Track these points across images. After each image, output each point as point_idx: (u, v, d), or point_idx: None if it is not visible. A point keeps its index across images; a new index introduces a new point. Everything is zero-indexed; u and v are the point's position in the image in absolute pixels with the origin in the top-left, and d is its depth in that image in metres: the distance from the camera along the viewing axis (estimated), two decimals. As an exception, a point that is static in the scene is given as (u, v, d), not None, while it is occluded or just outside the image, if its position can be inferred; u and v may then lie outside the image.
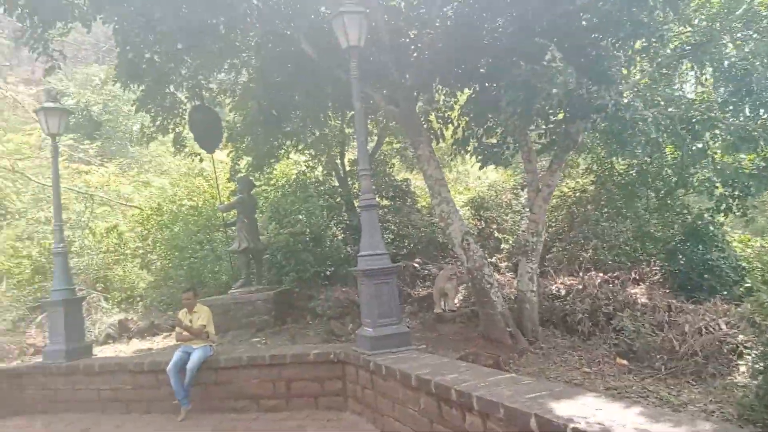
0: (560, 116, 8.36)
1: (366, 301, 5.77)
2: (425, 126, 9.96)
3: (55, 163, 8.35)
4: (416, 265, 11.71)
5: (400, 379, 4.74)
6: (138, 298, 11.92)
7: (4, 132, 12.63)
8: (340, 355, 5.93)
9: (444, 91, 10.38)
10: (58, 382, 7.43)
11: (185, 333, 6.65)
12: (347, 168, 13.47)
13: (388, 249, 6.12)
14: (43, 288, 11.56)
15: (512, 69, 6.94)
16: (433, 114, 10.98)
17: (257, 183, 12.62)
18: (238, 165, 12.82)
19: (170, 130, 10.95)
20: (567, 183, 12.67)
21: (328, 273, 11.49)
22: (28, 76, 32.41)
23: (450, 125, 10.48)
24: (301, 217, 12.44)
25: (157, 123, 10.67)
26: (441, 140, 10.54)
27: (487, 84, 8.69)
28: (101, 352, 9.01)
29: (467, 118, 9.60)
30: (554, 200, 11.29)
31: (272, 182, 14.20)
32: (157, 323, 10.47)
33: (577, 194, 12.02)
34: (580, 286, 8.73)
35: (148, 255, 13.23)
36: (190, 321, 6.70)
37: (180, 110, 10.78)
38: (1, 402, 7.49)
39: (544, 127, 8.73)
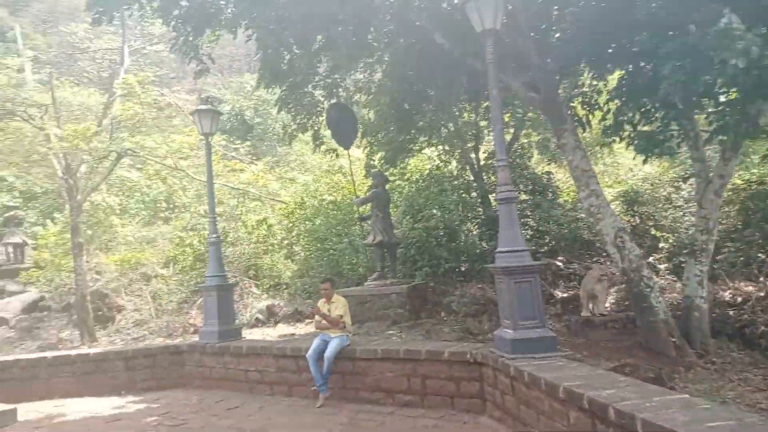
0: (732, 96, 7.14)
1: (505, 301, 5.39)
2: (569, 113, 9.20)
3: (208, 159, 9.07)
4: (559, 263, 10.93)
5: (545, 389, 4.31)
6: (284, 286, 12.63)
7: (168, 135, 14.10)
8: (477, 356, 5.61)
9: (590, 74, 9.51)
10: (211, 361, 8.04)
11: (323, 321, 6.80)
12: (482, 162, 13.03)
13: (527, 246, 5.66)
14: (202, 274, 12.73)
15: (675, 39, 6.04)
16: (578, 100, 10.13)
17: (391, 178, 12.70)
18: (373, 160, 13.03)
19: (309, 128, 11.41)
20: (740, 174, 10.99)
21: (462, 269, 11.22)
22: (191, 87, 36.18)
23: (598, 111, 9.58)
24: (435, 211, 12.30)
25: (297, 121, 11.18)
26: (587, 128, 9.68)
27: (642, 63, 7.74)
28: (251, 334, 9.64)
29: (618, 103, 8.67)
30: (725, 193, 9.82)
31: (406, 177, 14.25)
32: (300, 310, 11.00)
33: (754, 186, 10.35)
34: (762, 293, 7.44)
35: (293, 246, 13.97)
36: (328, 310, 6.83)
37: (318, 109, 11.20)
38: (165, 374, 8.32)
39: (711, 109, 7.54)
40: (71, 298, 12.79)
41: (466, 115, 12.96)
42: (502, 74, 7.47)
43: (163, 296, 12.63)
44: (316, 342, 6.69)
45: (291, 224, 14.62)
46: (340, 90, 11.28)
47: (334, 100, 10.86)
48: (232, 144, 18.21)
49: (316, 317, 6.96)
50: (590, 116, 9.72)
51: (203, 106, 8.65)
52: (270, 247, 14.06)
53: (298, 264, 13.46)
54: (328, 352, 6.49)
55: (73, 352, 8.74)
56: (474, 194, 12.86)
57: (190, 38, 8.70)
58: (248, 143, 22.88)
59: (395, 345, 6.53)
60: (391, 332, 8.20)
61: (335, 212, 13.92)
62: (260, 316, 11.17)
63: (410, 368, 6.08)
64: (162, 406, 7.12)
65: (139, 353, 8.36)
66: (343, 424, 5.71)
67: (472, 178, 13.05)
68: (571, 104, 10.08)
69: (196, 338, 9.31)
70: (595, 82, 9.70)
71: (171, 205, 19.71)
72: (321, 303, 6.96)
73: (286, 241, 14.12)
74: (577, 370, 4.58)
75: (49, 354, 8.72)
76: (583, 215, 12.47)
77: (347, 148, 10.90)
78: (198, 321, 11.28)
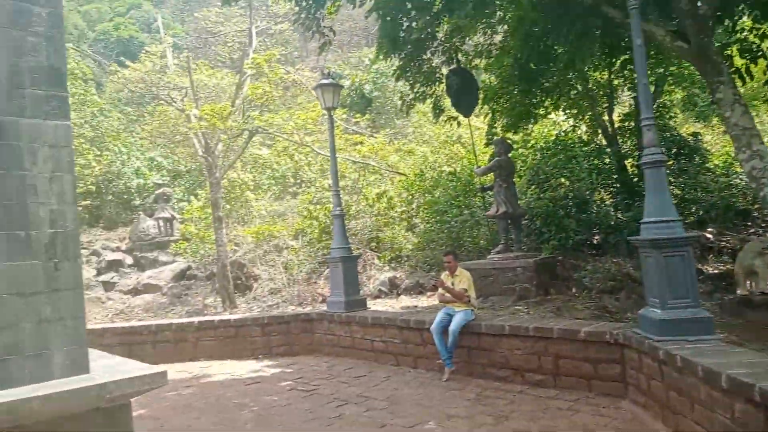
0: None
1: (652, 277, 4.85)
2: (725, 63, 8.01)
3: (331, 133, 9.24)
4: (709, 235, 9.76)
5: (702, 376, 3.81)
6: (405, 258, 12.72)
7: (294, 111, 14.67)
8: (617, 337, 5.15)
9: (752, 16, 8.20)
10: (339, 330, 8.32)
11: (447, 294, 6.68)
12: (616, 125, 11.94)
13: (674, 215, 5.01)
14: (328, 246, 13.20)
15: None
16: (735, 47, 8.79)
17: (514, 146, 12.09)
18: (494, 127, 12.49)
19: (428, 97, 11.17)
20: None
21: (594, 242, 10.47)
22: (313, 65, 37.45)
23: (761, 60, 8.26)
24: (563, 180, 11.56)
25: (416, 90, 10.98)
26: (747, 80, 8.39)
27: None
28: (374, 305, 9.83)
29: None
30: None
31: (530, 144, 13.53)
32: (421, 282, 11.01)
33: None
34: None
35: (413, 218, 13.99)
36: (452, 284, 6.68)
37: (436, 76, 10.89)
38: (297, 341, 8.78)
39: None
40: (214, 268, 13.98)
41: (596, 74, 11.91)
42: (644, 23, 6.64)
43: (293, 266, 13.32)
44: (440, 315, 6.59)
45: (410, 196, 14.61)
46: (459, 55, 10.85)
47: (453, 66, 10.48)
48: (353, 118, 18.55)
49: (440, 290, 6.85)
50: (751, 66, 8.42)
51: (325, 81, 8.79)
52: (390, 220, 14.21)
53: (418, 236, 13.47)
54: (453, 326, 6.37)
55: (216, 318, 9.53)
56: (607, 160, 11.86)
57: (312, 11, 8.82)
58: (367, 117, 23.17)
59: (523, 321, 6.24)
60: (517, 308, 7.87)
61: (455, 183, 13.65)
62: (383, 288, 11.36)
63: (541, 346, 5.76)
64: (295, 371, 7.51)
65: (274, 320, 8.89)
66: (471, 399, 5.58)
67: (604, 142, 12.03)
68: (728, 53, 8.82)
69: (323, 307, 9.69)
70: (758, 25, 8.36)
71: (298, 180, 20.70)
72: (444, 276, 6.84)
73: (406, 214, 14.16)
74: (741, 356, 4.01)
75: (195, 319, 9.59)
76: (737, 181, 11.02)
77: (467, 115, 10.54)
78: (325, 291, 11.75)
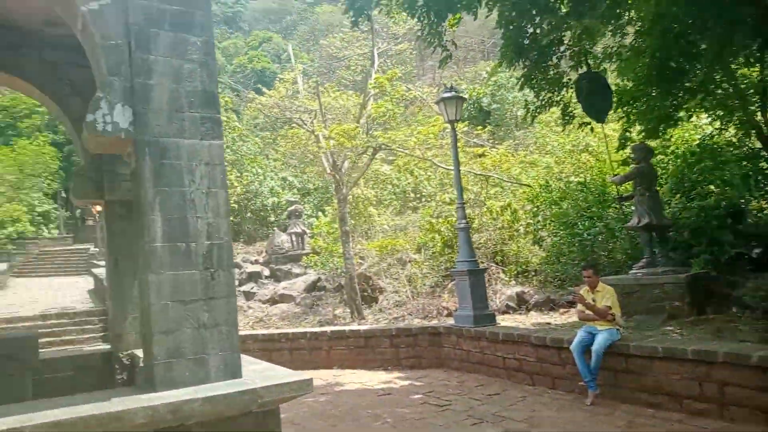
0: None
1: None
2: None
3: (454, 146, 9.14)
4: None
5: None
6: (532, 273, 12.19)
7: (415, 127, 14.83)
8: (802, 363, 4.42)
9: None
10: (468, 345, 8.11)
11: (588, 312, 6.22)
12: (774, 124, 10.48)
13: None
14: (451, 259, 13.07)
15: None
16: None
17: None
18: (629, 132, 11.59)
19: (555, 104, 10.68)
20: None
21: (753, 255, 9.23)
22: (430, 83, 37.90)
23: None
24: (711, 187, 10.39)
25: (541, 98, 10.55)
26: None
27: None
28: (502, 321, 9.48)
29: None
30: None
31: (669, 150, 12.37)
32: (552, 298, 10.45)
33: None
34: None
35: (539, 232, 13.41)
36: (593, 300, 6.21)
37: (564, 82, 10.38)
38: (425, 353, 8.72)
39: None
40: (342, 280, 14.45)
41: (746, 70, 10.61)
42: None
43: (417, 280, 13.35)
44: (580, 334, 6.15)
45: (535, 208, 14.03)
46: (588, 58, 10.25)
47: (583, 70, 9.92)
48: (474, 131, 18.39)
49: (579, 306, 6.40)
50: None
51: (447, 94, 8.76)
52: (515, 233, 13.74)
53: (545, 250, 12.85)
54: (596, 346, 5.90)
55: (347, 328, 9.79)
56: (764, 164, 10.46)
57: (434, 26, 8.87)
58: (487, 129, 22.86)
59: (679, 343, 5.62)
60: (668, 328, 7.10)
61: (584, 194, 12.86)
62: (510, 303, 10.95)
63: (702, 371, 5.12)
64: (425, 385, 7.43)
65: (401, 332, 8.92)
66: (620, 427, 5.10)
67: (759, 145, 10.63)
68: None
69: (449, 321, 9.55)
70: None
71: (418, 195, 20.89)
72: (584, 291, 6.37)
73: (532, 227, 13.61)
74: None
75: (328, 329, 9.93)
76: None
77: (601, 121, 9.87)
78: (450, 304, 11.60)
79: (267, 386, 3.38)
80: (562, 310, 9.96)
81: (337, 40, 22.95)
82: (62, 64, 5.43)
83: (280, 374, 3.68)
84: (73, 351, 7.05)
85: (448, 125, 9.59)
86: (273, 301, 15.71)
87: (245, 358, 4.16)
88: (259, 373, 3.73)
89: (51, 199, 35.96)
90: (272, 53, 52.03)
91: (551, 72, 10.19)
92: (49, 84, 5.41)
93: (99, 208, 27.69)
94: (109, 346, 6.00)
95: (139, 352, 4.93)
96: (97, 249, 28.45)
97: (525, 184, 15.67)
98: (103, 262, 20.88)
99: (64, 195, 37.44)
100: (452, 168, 15.70)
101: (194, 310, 3.56)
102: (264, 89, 17.91)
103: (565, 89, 10.41)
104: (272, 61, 48.95)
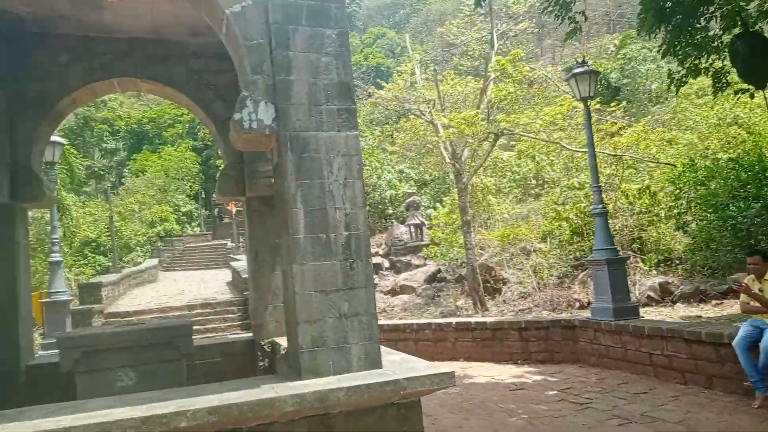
0: None
1: None
2: None
3: (588, 125, 8.53)
4: None
5: None
6: (676, 261, 11.10)
7: (540, 108, 14.12)
8: None
9: None
10: (607, 339, 7.56)
11: (753, 303, 5.48)
12: None
13: None
14: (581, 248, 12.31)
15: None
16: None
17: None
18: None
19: (704, 71, 9.54)
20: None
21: None
22: (549, 62, 36.21)
23: None
24: None
25: (687, 65, 9.47)
26: None
27: None
28: (644, 314, 8.74)
29: None
30: None
31: None
32: (702, 289, 9.44)
33: None
34: None
35: (683, 216, 12.16)
36: (760, 290, 5.46)
37: (714, 45, 9.22)
38: (557, 347, 8.28)
39: None
40: (462, 271, 14.24)
41: None
42: None
43: (543, 270, 12.76)
44: (745, 328, 5.45)
45: (678, 190, 12.73)
46: (743, 16, 9.01)
47: (736, 31, 8.74)
48: (606, 108, 17.16)
49: (742, 297, 5.67)
50: None
51: (579, 69, 8.19)
52: (654, 218, 12.58)
53: (691, 235, 11.62)
54: (765, 343, 5.19)
55: (472, 320, 9.60)
56: None
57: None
58: (619, 106, 21.31)
59: None
60: None
61: (736, 171, 11.40)
62: (652, 294, 10.05)
63: None
64: (560, 381, 7.05)
65: (531, 325, 8.56)
66: (803, 437, 4.42)
67: None
68: None
69: (582, 313, 8.98)
70: None
71: (540, 182, 19.98)
72: (750, 280, 5.63)
73: (675, 210, 12.36)
74: None
75: (453, 320, 9.82)
76: None
77: (762, 87, 8.64)
78: (581, 296, 10.93)
79: (409, 378, 3.35)
80: (714, 302, 8.96)
81: (453, 27, 22.58)
82: (205, 71, 5.85)
83: (420, 366, 3.63)
84: (219, 338, 7.61)
85: (576, 104, 8.98)
86: (394, 292, 15.91)
87: (383, 349, 4.17)
88: (397, 364, 3.71)
89: (193, 200, 39.75)
90: (386, 48, 52.78)
91: (698, 36, 9.13)
92: (194, 90, 5.86)
93: (235, 206, 30.10)
94: (250, 334, 6.39)
95: (280, 340, 5.17)
96: (234, 244, 30.92)
97: (667, 164, 14.30)
98: (239, 256, 22.60)
99: (203, 195, 41.27)
100: (581, 150, 14.84)
101: (335, 300, 3.62)
102: (383, 83, 18.14)
103: (715, 54, 9.28)
104: (386, 56, 49.65)
